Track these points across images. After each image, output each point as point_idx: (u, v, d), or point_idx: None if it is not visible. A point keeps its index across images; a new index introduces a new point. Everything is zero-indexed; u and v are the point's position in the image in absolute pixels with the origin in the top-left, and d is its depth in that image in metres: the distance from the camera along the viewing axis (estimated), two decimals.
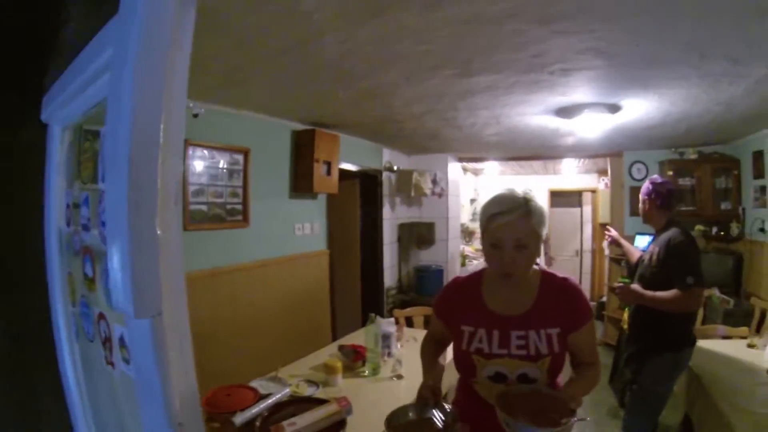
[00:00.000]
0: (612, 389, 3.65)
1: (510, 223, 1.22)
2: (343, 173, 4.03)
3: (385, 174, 4.91)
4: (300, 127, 3.57)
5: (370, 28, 1.67)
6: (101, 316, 0.86)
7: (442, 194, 5.34)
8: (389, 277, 5.07)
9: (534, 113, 3.16)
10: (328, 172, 3.68)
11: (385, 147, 4.88)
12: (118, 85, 0.64)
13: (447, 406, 1.31)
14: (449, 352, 1.50)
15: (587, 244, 7.40)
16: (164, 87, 0.62)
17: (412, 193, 4.99)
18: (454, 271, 5.49)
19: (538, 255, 1.30)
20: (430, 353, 1.55)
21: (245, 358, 2.87)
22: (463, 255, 6.03)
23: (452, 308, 1.45)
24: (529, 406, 1.16)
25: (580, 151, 5.13)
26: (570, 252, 7.56)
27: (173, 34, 0.64)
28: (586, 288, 7.10)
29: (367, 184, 4.82)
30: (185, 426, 0.64)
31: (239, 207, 3.05)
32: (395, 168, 5.01)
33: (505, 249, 1.24)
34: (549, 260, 7.15)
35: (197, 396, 0.66)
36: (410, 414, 1.32)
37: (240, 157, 3.04)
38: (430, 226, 5.39)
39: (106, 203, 0.64)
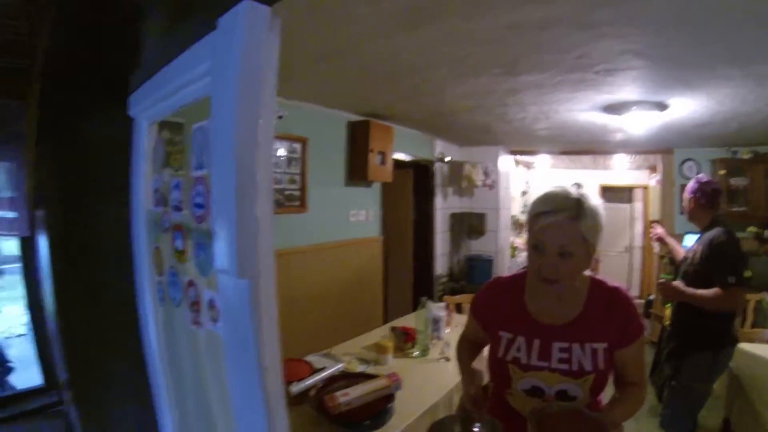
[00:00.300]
0: (651, 384, 3.72)
1: (555, 225, 1.14)
2: (397, 163, 4.26)
3: (437, 164, 5.12)
4: (355, 118, 3.79)
5: (419, 33, 1.85)
6: (190, 283, 1.06)
7: (493, 186, 5.58)
8: (441, 265, 5.32)
9: (582, 110, 3.27)
10: (383, 162, 3.91)
11: (437, 138, 5.10)
12: (222, 92, 0.83)
13: (490, 419, 1.25)
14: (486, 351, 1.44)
15: (637, 241, 7.40)
16: (260, 94, 0.80)
17: (464, 184, 5.23)
18: (504, 261, 5.72)
19: (588, 266, 1.21)
20: (467, 357, 1.49)
21: (300, 335, 3.11)
22: (513, 246, 6.22)
23: (491, 310, 1.38)
24: (565, 428, 1.10)
25: (630, 147, 5.20)
26: (619, 248, 7.59)
27: (265, 49, 0.82)
28: (635, 285, 7.15)
29: (421, 174, 5.06)
30: (270, 370, 0.83)
31: (297, 193, 3.30)
32: (447, 159, 5.21)
33: (547, 254, 1.16)
34: (594, 262, 7.19)
35: (278, 344, 0.84)
36: (454, 428, 1.27)
37: (298, 146, 3.28)
38: (481, 217, 5.65)
39: (215, 188, 0.83)
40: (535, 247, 1.19)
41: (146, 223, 1.33)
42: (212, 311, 0.98)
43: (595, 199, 1.19)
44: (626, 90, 2.65)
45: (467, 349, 1.51)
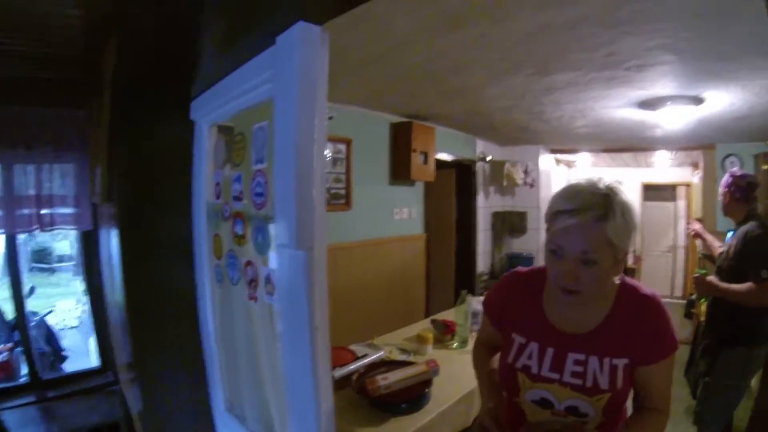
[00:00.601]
0: (686, 380, 3.75)
1: (577, 227, 1.00)
2: (440, 162, 4.49)
3: (479, 164, 5.30)
4: (398, 119, 4.03)
5: (452, 37, 2.02)
6: (248, 263, 1.28)
7: (533, 184, 5.76)
8: (482, 263, 5.52)
9: (617, 106, 3.37)
10: (425, 162, 4.13)
11: (478, 138, 5.30)
12: (283, 97, 1.03)
13: None
14: None
15: (680, 241, 7.38)
16: (315, 98, 0.99)
17: (505, 183, 5.41)
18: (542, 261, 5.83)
19: (617, 273, 1.08)
20: (484, 364, 1.39)
21: (344, 326, 3.33)
22: None
23: (506, 308, 1.27)
24: None
25: (670, 143, 5.22)
26: (662, 248, 7.59)
27: (318, 60, 1.01)
28: (678, 286, 7.18)
29: (462, 173, 5.27)
30: (319, 329, 1.02)
31: (342, 191, 3.55)
32: (488, 158, 5.39)
33: (567, 260, 1.04)
34: (636, 259, 7.14)
35: (327, 307, 1.03)
36: None
37: (343, 147, 3.54)
38: (522, 215, 5.83)
39: (277, 176, 1.03)
40: (553, 252, 1.06)
41: (207, 213, 1.56)
42: (268, 286, 1.18)
43: (626, 195, 1.04)
44: (659, 85, 2.74)
45: (484, 355, 1.40)
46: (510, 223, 5.81)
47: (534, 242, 5.81)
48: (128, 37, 1.72)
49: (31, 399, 2.78)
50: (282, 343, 1.14)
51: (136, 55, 1.69)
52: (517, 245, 5.92)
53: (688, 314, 5.16)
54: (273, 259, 1.16)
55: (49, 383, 2.91)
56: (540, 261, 5.03)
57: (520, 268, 1.32)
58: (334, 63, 1.02)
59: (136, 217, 1.62)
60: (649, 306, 1.10)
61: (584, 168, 7.51)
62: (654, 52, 2.17)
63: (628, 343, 1.08)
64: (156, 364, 1.76)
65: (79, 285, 6.52)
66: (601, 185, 1.04)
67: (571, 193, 1.05)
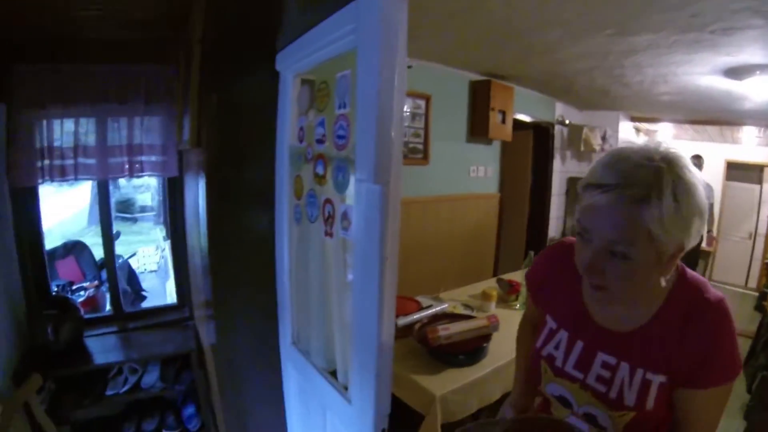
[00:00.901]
0: (744, 374, 3.68)
1: (607, 208, 0.83)
2: (517, 123, 4.59)
3: (557, 127, 5.30)
4: (477, 77, 4.13)
5: None
6: (327, 201, 1.45)
7: None
8: (554, 228, 5.61)
9: (701, 73, 3.29)
10: (503, 121, 4.23)
11: (557, 101, 5.33)
12: (367, 47, 1.16)
13: None
14: None
15: (762, 228, 7.00)
16: (396, 47, 1.12)
17: (582, 148, 5.42)
18: None
19: (663, 273, 0.90)
20: (523, 345, 1.34)
21: (412, 278, 3.56)
22: None
23: (545, 284, 1.17)
24: None
25: (761, 119, 4.99)
26: (742, 234, 7.22)
27: (398, 14, 1.13)
28: (753, 276, 6.87)
29: (540, 135, 5.35)
30: (389, 259, 1.17)
31: (420, 146, 3.73)
32: (567, 122, 5.37)
33: (592, 248, 0.88)
34: (710, 239, 6.88)
35: (398, 240, 1.17)
36: None
37: (422, 102, 3.69)
38: None
39: (360, 118, 1.17)
40: (580, 234, 0.91)
41: (289, 156, 1.76)
42: (345, 221, 1.35)
43: (691, 171, 0.83)
44: (748, 51, 2.67)
45: (527, 332, 1.33)
46: None
47: None
48: None
49: (113, 329, 3.15)
50: (354, 272, 1.29)
51: (225, 13, 1.87)
52: None
53: (759, 307, 4.97)
54: (350, 197, 1.32)
55: (130, 316, 3.28)
56: None
57: (569, 238, 1.11)
58: (414, 17, 1.14)
59: (223, 161, 1.83)
60: (709, 314, 0.89)
61: (665, 139, 7.27)
62: (741, 15, 2.13)
63: (670, 356, 0.90)
64: (231, 300, 1.98)
65: (159, 233, 7.28)
66: (657, 154, 0.83)
67: (614, 160, 0.86)
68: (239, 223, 1.91)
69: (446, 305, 2.49)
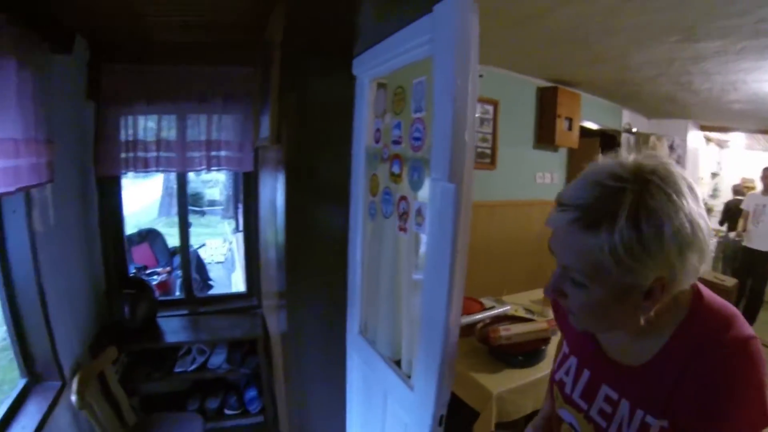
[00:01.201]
0: None
1: (561, 230, 0.78)
2: (584, 130, 4.62)
3: (624, 135, 5.26)
4: (544, 84, 4.19)
5: (597, 1, 2.12)
6: (402, 198, 1.60)
7: (678, 162, 5.46)
8: None
9: None
10: (569, 128, 4.29)
11: (624, 108, 5.29)
12: (442, 56, 1.29)
13: None
14: None
15: None
16: (469, 57, 1.24)
17: None
18: None
19: (645, 311, 0.78)
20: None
21: (476, 280, 3.66)
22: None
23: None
24: None
25: None
26: None
27: (470, 25, 1.25)
28: None
29: (607, 143, 5.34)
30: (459, 253, 1.29)
31: (488, 151, 3.87)
32: (634, 130, 5.33)
33: (557, 268, 0.83)
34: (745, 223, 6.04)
35: (468, 235, 1.29)
36: None
37: (490, 108, 3.82)
38: None
39: (436, 121, 1.30)
40: (551, 251, 0.83)
41: (366, 156, 1.92)
42: (419, 217, 1.48)
43: (665, 197, 0.71)
44: None
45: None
46: None
47: None
48: (296, 4, 2.08)
49: (184, 312, 3.45)
50: (426, 264, 1.42)
51: (303, 20, 2.04)
52: None
53: None
54: (424, 195, 1.45)
55: (200, 300, 3.56)
56: None
57: None
58: (483, 24, 1.25)
59: (301, 158, 2.01)
60: (717, 355, 0.76)
61: (737, 149, 6.99)
62: None
63: (670, 400, 0.79)
64: (304, 292, 2.17)
65: (226, 226, 7.77)
66: (630, 172, 0.73)
67: (583, 174, 0.79)
68: (315, 219, 2.09)
69: (508, 307, 2.58)
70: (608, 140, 5.23)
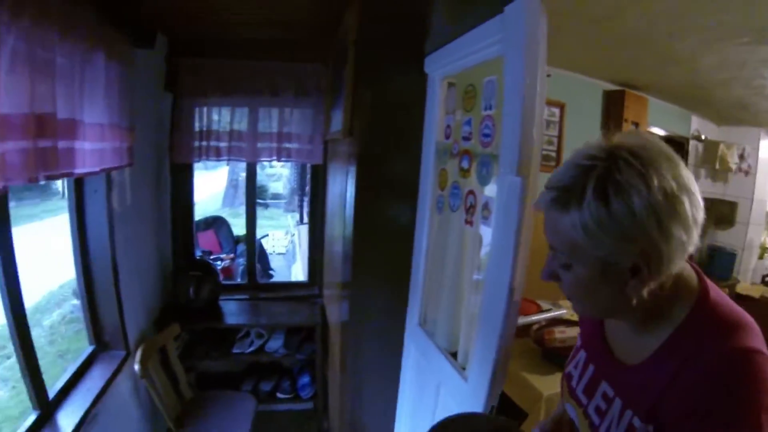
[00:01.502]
0: None
1: (545, 212, 0.82)
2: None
3: (692, 143, 5.13)
4: (611, 87, 4.17)
5: (666, 2, 2.13)
6: (470, 192, 1.70)
7: (748, 172, 5.38)
8: None
9: None
10: None
11: (693, 114, 5.13)
12: (513, 55, 1.39)
13: None
14: None
15: None
16: (538, 57, 1.33)
17: (717, 166, 5.16)
18: (749, 260, 5.50)
19: (634, 291, 0.77)
20: None
21: (534, 282, 3.69)
22: (763, 246, 5.80)
23: None
24: None
25: None
26: None
27: (540, 26, 1.33)
28: None
29: (674, 150, 5.15)
30: (522, 245, 1.37)
31: (553, 154, 3.90)
32: (702, 137, 5.18)
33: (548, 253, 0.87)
34: None
35: (531, 229, 1.37)
36: None
37: (557, 111, 3.86)
38: (732, 206, 5.48)
39: (506, 118, 1.40)
40: None
41: (435, 151, 2.03)
42: (485, 211, 1.58)
43: (633, 168, 0.72)
44: None
45: None
46: (717, 213, 5.47)
47: (741, 237, 5.41)
48: (369, 6, 2.21)
49: (245, 296, 3.67)
50: (490, 254, 1.51)
51: (376, 19, 2.16)
52: (722, 238, 5.56)
53: None
54: (492, 189, 1.55)
55: (262, 287, 3.77)
56: (744, 260, 4.81)
57: None
58: (551, 25, 1.32)
59: (372, 151, 2.13)
60: (710, 366, 0.72)
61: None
62: None
63: (658, 405, 0.77)
64: (367, 284, 2.29)
65: (289, 219, 8.11)
66: (603, 150, 0.76)
67: (569, 156, 0.82)
68: (383, 211, 2.22)
69: (564, 311, 2.61)
70: (676, 148, 5.08)
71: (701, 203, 0.75)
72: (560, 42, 2.94)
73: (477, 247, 1.68)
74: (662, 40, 2.69)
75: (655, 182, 0.70)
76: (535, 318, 2.42)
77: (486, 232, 1.59)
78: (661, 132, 4.68)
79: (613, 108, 4.09)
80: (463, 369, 1.75)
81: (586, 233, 0.73)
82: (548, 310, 2.54)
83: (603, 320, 0.99)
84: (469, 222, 1.72)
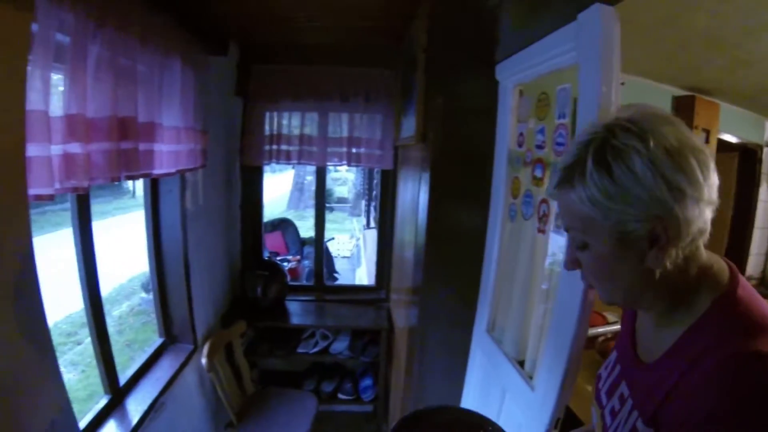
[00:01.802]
0: None
1: (556, 193, 0.81)
2: (722, 144, 4.36)
3: (765, 150, 4.91)
4: (680, 92, 4.06)
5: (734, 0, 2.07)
6: (543, 200, 1.73)
7: None
8: (753, 265, 5.13)
9: None
10: (707, 140, 4.11)
11: None
12: (587, 64, 1.41)
13: None
14: None
15: None
16: (612, 65, 1.35)
17: None
18: None
19: (656, 262, 0.73)
20: None
21: None
22: None
23: None
24: None
25: None
26: None
27: (613, 34, 1.36)
28: None
29: (746, 159, 4.95)
30: None
31: None
32: None
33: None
34: None
35: None
36: None
37: None
38: None
39: (580, 128, 1.41)
40: None
41: (507, 159, 2.06)
42: (558, 221, 1.60)
43: (630, 133, 0.71)
44: None
45: None
46: None
47: None
48: (437, 17, 2.27)
49: (311, 298, 3.82)
50: (562, 266, 1.54)
51: (446, 26, 2.22)
52: None
53: None
54: None
55: (328, 289, 3.91)
56: None
57: None
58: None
59: (444, 157, 2.19)
60: (729, 367, 0.65)
61: None
62: None
63: (662, 409, 0.73)
64: (437, 290, 2.35)
65: (354, 223, 8.27)
66: (603, 125, 0.76)
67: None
68: (454, 218, 2.27)
69: None
70: (748, 155, 4.85)
71: (711, 164, 0.72)
72: (626, 47, 2.89)
73: (548, 257, 1.71)
74: (733, 41, 2.59)
75: (653, 142, 0.69)
76: (601, 330, 2.40)
77: (559, 241, 1.61)
78: (732, 139, 4.47)
79: (682, 114, 3.95)
80: (530, 378, 1.77)
81: (594, 204, 0.73)
82: (614, 323, 2.52)
83: (635, 316, 0.95)
84: (541, 231, 1.74)
